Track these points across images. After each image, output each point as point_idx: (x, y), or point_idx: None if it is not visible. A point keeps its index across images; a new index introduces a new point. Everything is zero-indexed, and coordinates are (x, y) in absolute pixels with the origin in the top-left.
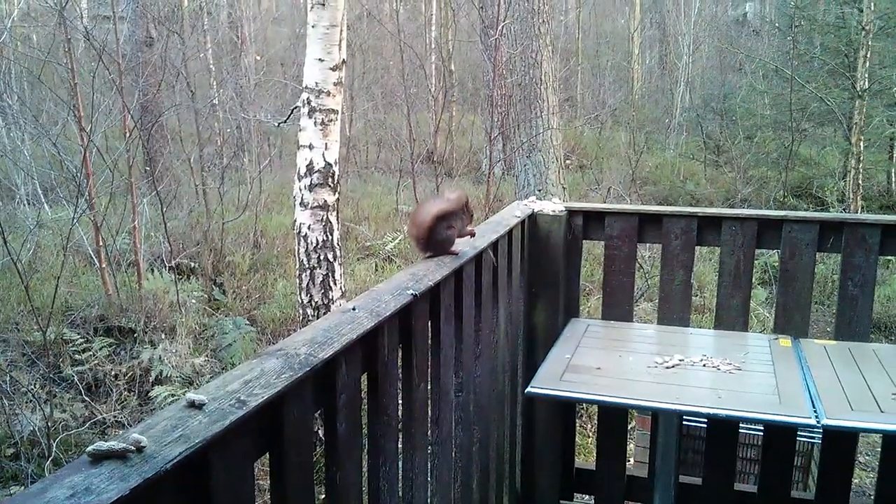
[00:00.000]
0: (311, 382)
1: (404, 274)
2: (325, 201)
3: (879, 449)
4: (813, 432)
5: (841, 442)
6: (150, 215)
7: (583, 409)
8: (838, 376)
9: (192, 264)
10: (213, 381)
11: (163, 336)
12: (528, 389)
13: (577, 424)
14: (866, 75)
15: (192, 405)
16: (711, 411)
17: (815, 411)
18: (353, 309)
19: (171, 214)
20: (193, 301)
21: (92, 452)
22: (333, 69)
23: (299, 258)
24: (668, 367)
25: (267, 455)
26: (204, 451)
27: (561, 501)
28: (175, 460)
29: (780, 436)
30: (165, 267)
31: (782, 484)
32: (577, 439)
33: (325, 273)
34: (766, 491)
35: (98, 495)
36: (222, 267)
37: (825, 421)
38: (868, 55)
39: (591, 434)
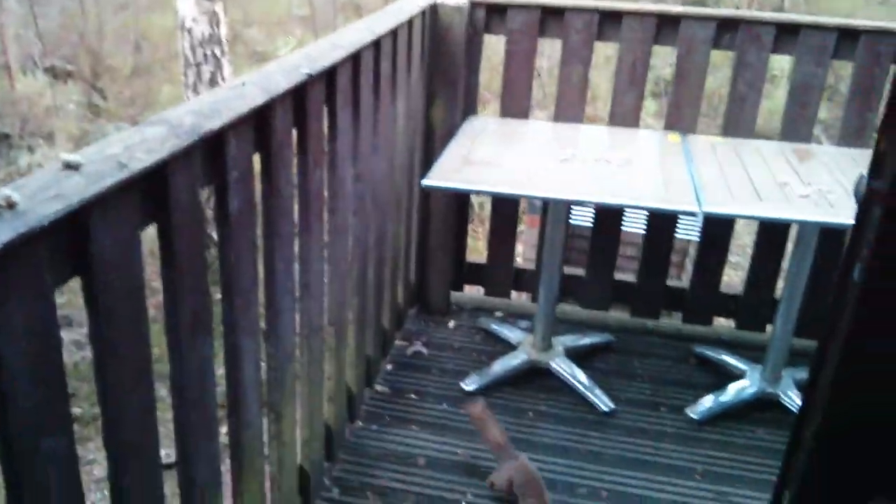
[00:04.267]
0: (199, 154)
1: (297, 54)
2: None
3: (750, 250)
4: (690, 229)
5: (717, 235)
6: (20, 13)
7: (475, 213)
8: (722, 170)
9: (69, 67)
10: (91, 146)
11: (41, 142)
12: (424, 182)
13: (469, 229)
14: None
15: (69, 166)
16: (600, 200)
17: (697, 200)
18: (243, 84)
19: (41, 12)
20: (72, 106)
21: None
22: None
23: (184, 53)
24: (561, 161)
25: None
26: (83, 212)
27: (451, 292)
28: (52, 219)
29: (660, 231)
30: (39, 68)
31: (659, 274)
32: (468, 242)
33: (212, 70)
34: (644, 279)
35: None
36: (102, 70)
37: (706, 208)
38: None
39: (482, 238)
